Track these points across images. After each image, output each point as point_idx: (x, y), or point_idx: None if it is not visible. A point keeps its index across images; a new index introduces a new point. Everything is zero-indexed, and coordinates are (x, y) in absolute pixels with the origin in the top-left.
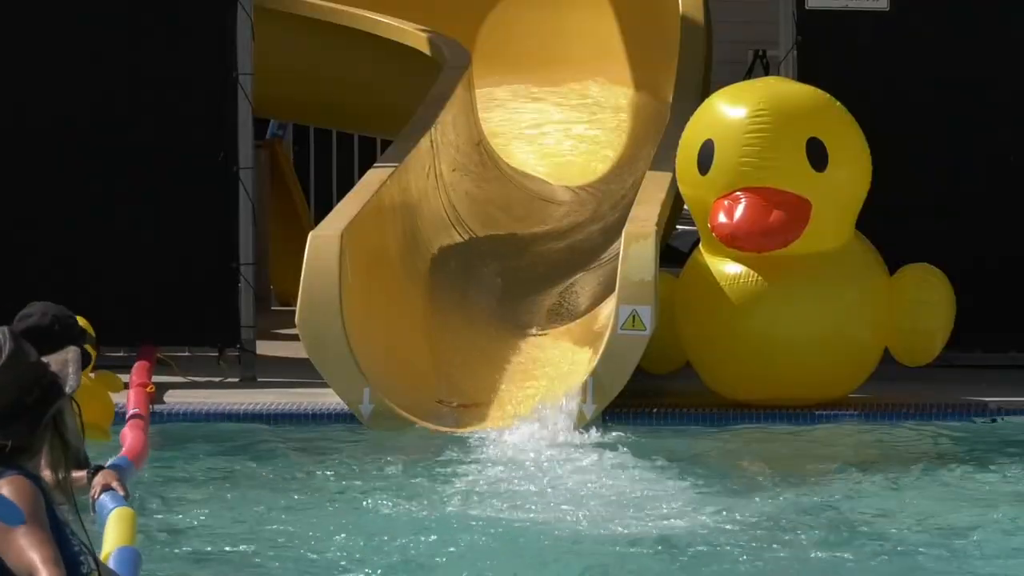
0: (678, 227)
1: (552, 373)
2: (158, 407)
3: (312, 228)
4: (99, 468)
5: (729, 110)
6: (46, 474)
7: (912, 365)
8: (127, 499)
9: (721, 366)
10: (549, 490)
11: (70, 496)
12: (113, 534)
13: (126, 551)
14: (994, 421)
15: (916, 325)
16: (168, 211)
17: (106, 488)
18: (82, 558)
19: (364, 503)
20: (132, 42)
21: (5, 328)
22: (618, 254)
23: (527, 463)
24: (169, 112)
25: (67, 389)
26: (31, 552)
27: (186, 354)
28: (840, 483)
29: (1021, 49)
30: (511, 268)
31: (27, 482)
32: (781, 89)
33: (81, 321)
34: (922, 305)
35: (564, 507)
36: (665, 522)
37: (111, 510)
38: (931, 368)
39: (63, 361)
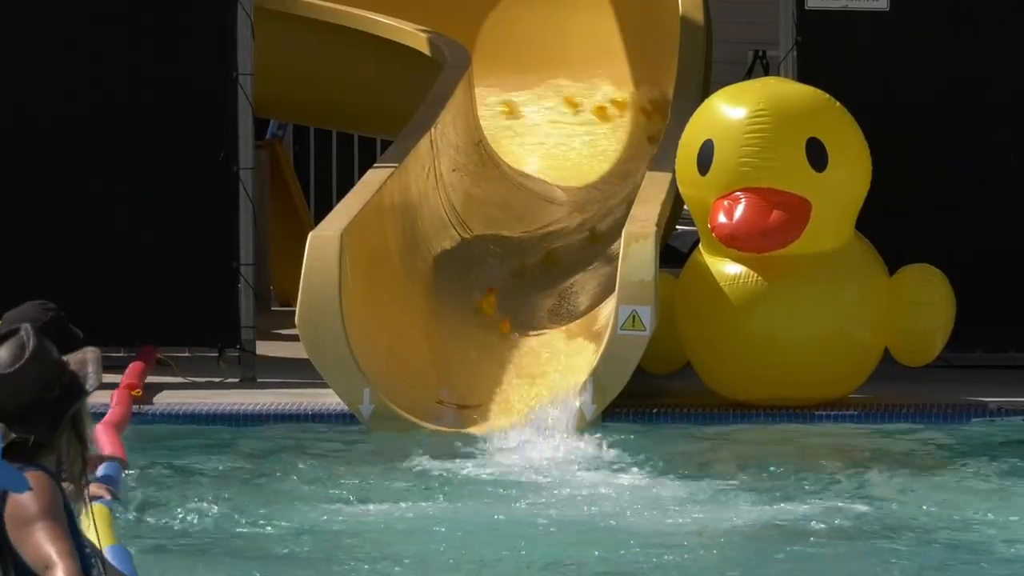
0: (678, 227)
1: (552, 373)
2: (159, 407)
3: (312, 228)
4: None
5: (729, 110)
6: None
7: (912, 365)
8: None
9: (721, 366)
10: (549, 491)
11: (85, 496)
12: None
13: (118, 550)
14: (994, 420)
15: (916, 325)
16: (168, 211)
17: (95, 498)
18: (93, 560)
19: (364, 504)
20: (132, 42)
21: (28, 324)
22: (618, 254)
23: (527, 464)
24: (169, 112)
25: (87, 388)
26: (48, 546)
27: (186, 354)
28: (840, 483)
29: (1021, 49)
30: (511, 268)
31: (47, 478)
32: (781, 89)
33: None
34: (922, 305)
35: (565, 508)
36: (665, 522)
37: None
38: (931, 368)
39: (82, 361)
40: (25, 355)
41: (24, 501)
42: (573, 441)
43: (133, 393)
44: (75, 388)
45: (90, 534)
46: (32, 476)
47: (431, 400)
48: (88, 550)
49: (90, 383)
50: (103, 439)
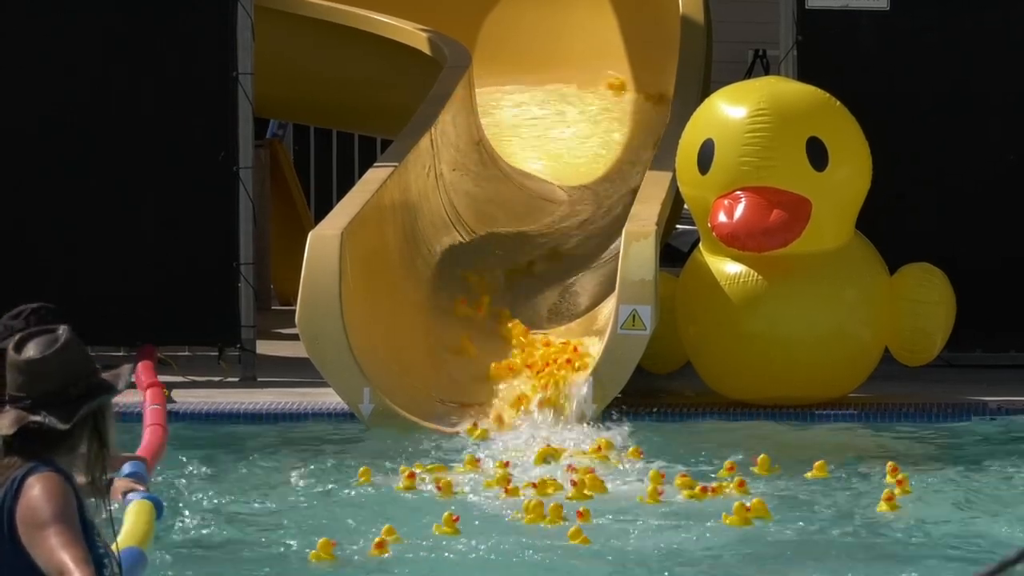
0: (678, 227)
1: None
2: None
3: (312, 227)
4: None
5: (729, 110)
6: (79, 475)
7: (912, 365)
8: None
9: (721, 365)
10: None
11: (104, 497)
12: (127, 531)
13: (130, 552)
14: (994, 420)
15: (916, 325)
16: (168, 211)
17: (128, 491)
18: (106, 560)
19: (364, 503)
20: (132, 42)
21: (66, 326)
22: (618, 254)
23: (527, 463)
24: (169, 112)
25: (118, 387)
26: (61, 552)
27: (186, 354)
28: (840, 482)
29: (1021, 48)
30: (511, 268)
31: (60, 479)
32: (781, 89)
33: None
34: (922, 305)
35: (565, 507)
36: (665, 521)
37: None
38: (931, 368)
39: (115, 375)
40: (54, 347)
41: (38, 504)
42: (573, 440)
43: (163, 393)
44: (101, 387)
45: (106, 528)
46: (45, 477)
47: (431, 399)
48: (102, 550)
49: (120, 385)
50: (145, 436)
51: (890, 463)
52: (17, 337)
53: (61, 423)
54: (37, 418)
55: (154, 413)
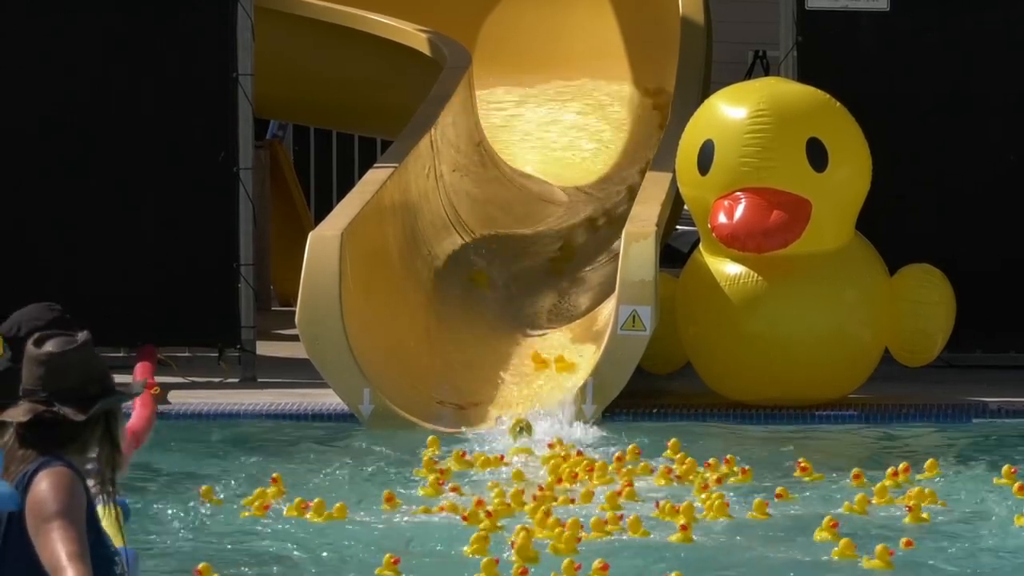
0: (678, 227)
1: (552, 373)
2: (160, 407)
3: (312, 228)
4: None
5: (729, 110)
6: (89, 476)
7: (912, 365)
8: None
9: (721, 366)
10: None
11: (113, 500)
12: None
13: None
14: (994, 421)
15: (916, 325)
16: (168, 211)
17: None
18: (117, 558)
19: (363, 503)
20: (133, 42)
21: (86, 331)
22: (618, 254)
23: (527, 463)
24: (169, 112)
25: (133, 391)
26: (59, 546)
27: (186, 354)
28: (839, 483)
29: (1020, 48)
30: (511, 268)
31: (70, 474)
32: (781, 89)
33: None
34: (922, 305)
35: (563, 507)
36: (664, 521)
37: None
38: (931, 368)
39: (127, 386)
40: (74, 344)
41: (44, 498)
42: (573, 441)
43: (152, 392)
44: (116, 389)
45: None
46: (55, 472)
47: (431, 400)
48: (112, 548)
49: (134, 391)
50: (132, 419)
51: (1006, 466)
52: (36, 335)
53: (77, 414)
54: (52, 408)
55: (143, 397)
